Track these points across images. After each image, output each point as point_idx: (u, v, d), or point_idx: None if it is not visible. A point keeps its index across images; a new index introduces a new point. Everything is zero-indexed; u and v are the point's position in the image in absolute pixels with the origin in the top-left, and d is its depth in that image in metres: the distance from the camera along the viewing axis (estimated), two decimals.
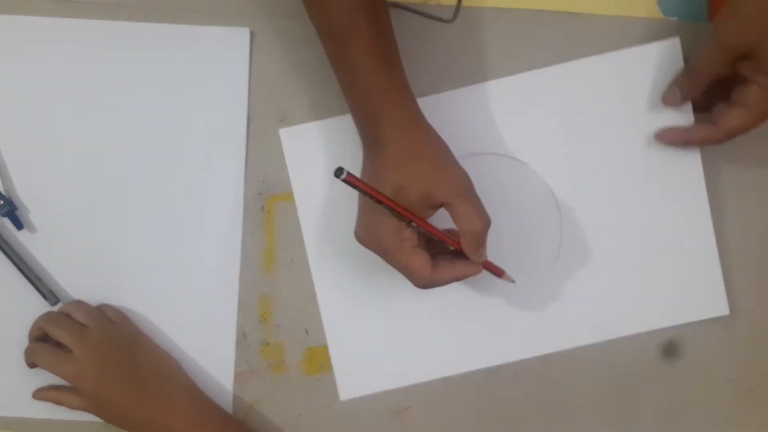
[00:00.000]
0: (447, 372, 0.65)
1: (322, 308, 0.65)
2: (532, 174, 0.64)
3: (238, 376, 0.64)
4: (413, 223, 0.54)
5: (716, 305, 0.64)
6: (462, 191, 0.55)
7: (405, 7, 0.64)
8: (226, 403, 0.64)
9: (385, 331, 0.65)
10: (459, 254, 0.56)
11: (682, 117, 0.63)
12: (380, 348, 0.65)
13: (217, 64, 0.64)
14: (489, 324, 0.65)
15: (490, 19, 0.65)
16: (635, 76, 0.64)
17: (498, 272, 0.60)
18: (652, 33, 0.65)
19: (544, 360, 0.65)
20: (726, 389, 0.65)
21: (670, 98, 0.63)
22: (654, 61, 0.64)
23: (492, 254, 0.58)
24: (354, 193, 0.54)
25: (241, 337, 0.65)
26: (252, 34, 0.65)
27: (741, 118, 0.58)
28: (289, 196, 0.65)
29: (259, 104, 0.65)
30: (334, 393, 0.65)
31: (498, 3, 0.65)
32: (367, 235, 0.56)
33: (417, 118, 0.57)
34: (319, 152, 0.65)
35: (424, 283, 0.55)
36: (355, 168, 0.58)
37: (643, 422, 0.65)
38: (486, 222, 0.55)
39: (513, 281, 0.61)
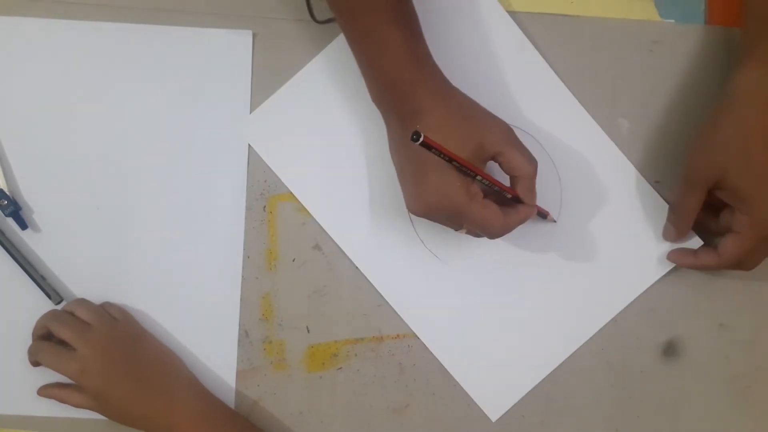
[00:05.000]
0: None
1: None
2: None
3: (240, 374, 0.65)
4: (478, 177, 0.56)
5: None
6: (509, 139, 0.57)
7: None
8: (229, 401, 0.64)
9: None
10: (511, 202, 0.59)
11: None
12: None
13: (220, 65, 0.65)
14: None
15: None
16: None
17: (544, 213, 0.63)
18: (650, 35, 0.65)
19: None
20: (723, 387, 0.65)
21: (668, 235, 0.64)
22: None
23: None
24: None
25: (243, 336, 0.65)
26: (254, 36, 0.65)
27: (736, 244, 0.60)
28: (291, 196, 0.65)
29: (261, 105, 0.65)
30: (335, 390, 0.65)
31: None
32: (433, 201, 0.57)
33: (448, 82, 0.58)
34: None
35: (499, 231, 0.57)
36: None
37: (643, 422, 0.65)
38: (535, 164, 0.57)
39: (555, 221, 0.64)
